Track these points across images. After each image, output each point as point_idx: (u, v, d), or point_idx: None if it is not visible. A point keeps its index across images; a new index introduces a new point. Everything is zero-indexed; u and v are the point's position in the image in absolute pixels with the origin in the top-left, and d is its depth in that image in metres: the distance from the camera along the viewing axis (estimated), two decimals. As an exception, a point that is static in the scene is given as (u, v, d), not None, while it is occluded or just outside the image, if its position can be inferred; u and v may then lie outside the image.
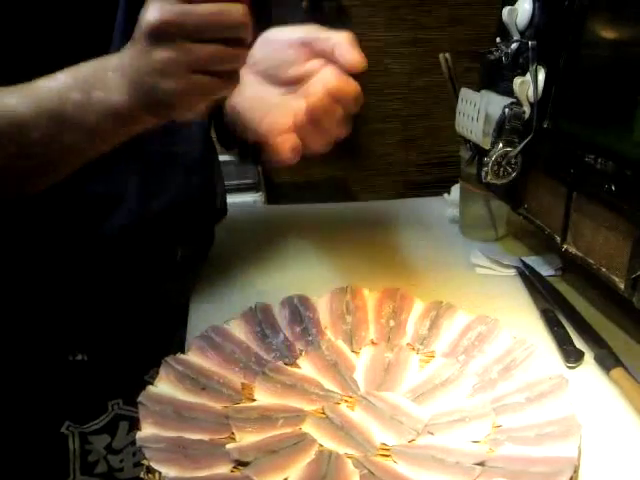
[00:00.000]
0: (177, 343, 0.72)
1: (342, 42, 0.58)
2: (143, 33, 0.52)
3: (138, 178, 0.71)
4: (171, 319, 0.79)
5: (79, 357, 0.74)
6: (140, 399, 0.58)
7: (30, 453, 0.72)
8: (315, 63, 0.61)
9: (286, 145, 0.59)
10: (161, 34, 0.51)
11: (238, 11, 0.51)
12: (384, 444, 0.58)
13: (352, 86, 0.58)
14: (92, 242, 0.70)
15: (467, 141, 0.89)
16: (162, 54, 0.51)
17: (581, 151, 0.67)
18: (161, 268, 0.78)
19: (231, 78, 0.54)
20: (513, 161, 0.76)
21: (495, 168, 0.76)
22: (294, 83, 0.63)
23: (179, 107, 0.55)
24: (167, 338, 0.73)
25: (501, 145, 0.75)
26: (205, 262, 0.89)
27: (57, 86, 0.56)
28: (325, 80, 0.58)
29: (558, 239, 0.75)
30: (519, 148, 0.75)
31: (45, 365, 0.72)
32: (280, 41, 0.63)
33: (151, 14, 0.51)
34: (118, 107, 0.55)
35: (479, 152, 0.85)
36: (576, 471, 0.51)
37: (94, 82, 0.55)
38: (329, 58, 0.59)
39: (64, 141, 0.57)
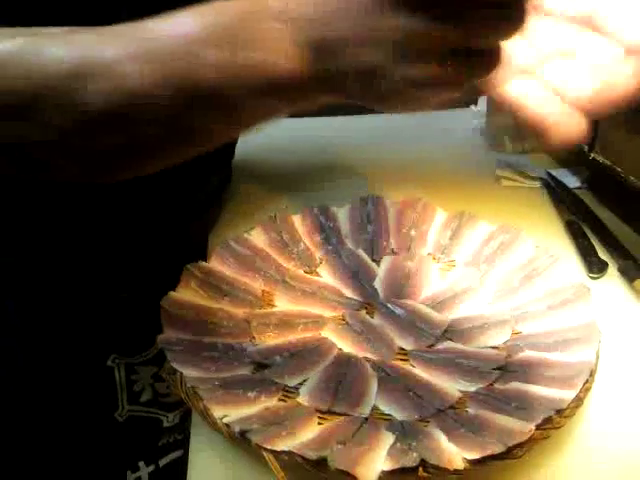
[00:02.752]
0: None
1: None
2: None
3: None
4: (202, 242, 0.78)
5: (123, 295, 0.74)
6: (161, 304, 0.59)
7: (79, 388, 0.73)
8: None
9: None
10: None
11: None
12: (403, 349, 0.59)
13: None
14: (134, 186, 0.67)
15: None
16: (414, 24, 0.32)
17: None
18: (198, 199, 0.77)
19: (492, 59, 0.35)
20: (542, 67, 0.73)
21: (523, 74, 0.74)
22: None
23: (401, 100, 0.37)
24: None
25: (530, 50, 0.72)
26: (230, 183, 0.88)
27: (185, 38, 0.37)
28: None
29: (586, 148, 0.73)
30: (548, 53, 0.72)
31: (90, 304, 0.72)
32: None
33: None
34: (280, 79, 0.36)
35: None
36: (592, 375, 0.52)
37: (242, 35, 0.36)
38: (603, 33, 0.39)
39: (192, 122, 0.40)
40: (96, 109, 0.38)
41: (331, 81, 0.36)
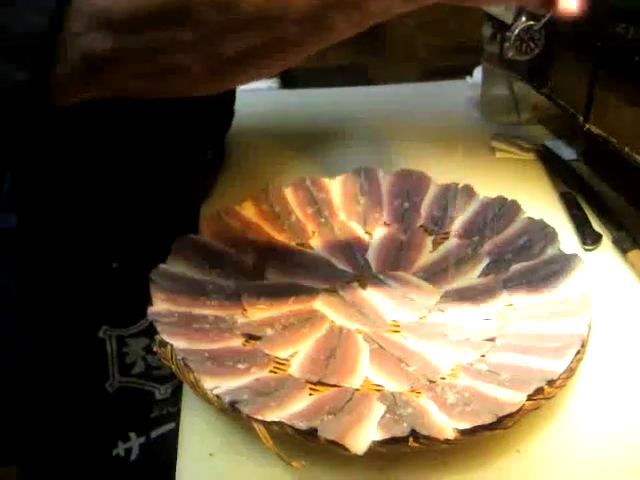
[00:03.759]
0: None
1: None
2: None
3: None
4: (196, 214, 0.77)
5: (114, 265, 0.73)
6: (151, 276, 0.58)
7: (69, 358, 0.73)
8: None
9: None
10: None
11: None
12: (395, 321, 0.58)
13: None
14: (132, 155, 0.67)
15: (490, 17, 0.85)
16: None
17: (611, 21, 0.63)
18: (193, 171, 0.76)
19: None
20: (536, 36, 0.72)
21: (517, 43, 0.72)
22: None
23: None
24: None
25: (524, 18, 0.71)
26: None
27: None
28: None
29: (581, 119, 0.73)
30: (543, 21, 0.70)
31: (81, 274, 0.71)
32: None
33: None
34: None
35: (501, 29, 0.80)
36: (584, 346, 0.51)
37: None
38: None
39: (328, 19, 0.41)
40: (252, 6, 0.38)
41: None
